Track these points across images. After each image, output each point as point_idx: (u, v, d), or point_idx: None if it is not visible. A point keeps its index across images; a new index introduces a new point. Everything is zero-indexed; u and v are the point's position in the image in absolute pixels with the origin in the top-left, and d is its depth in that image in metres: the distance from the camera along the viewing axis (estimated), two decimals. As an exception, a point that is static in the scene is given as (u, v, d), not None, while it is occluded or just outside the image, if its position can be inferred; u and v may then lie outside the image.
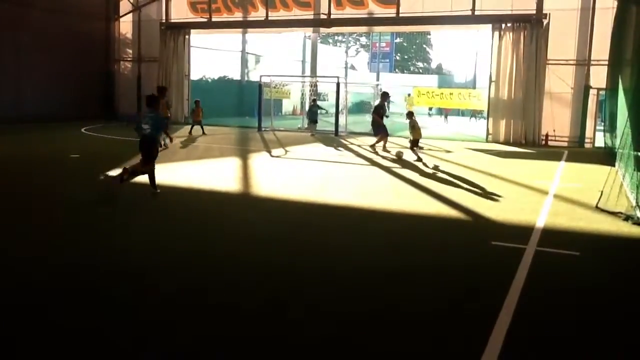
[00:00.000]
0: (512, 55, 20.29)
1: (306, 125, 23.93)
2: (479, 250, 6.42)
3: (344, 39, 64.51)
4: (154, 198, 8.95)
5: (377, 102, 16.77)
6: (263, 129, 23.85)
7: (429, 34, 73.12)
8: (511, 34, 20.27)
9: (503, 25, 20.45)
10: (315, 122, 22.62)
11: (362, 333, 4.09)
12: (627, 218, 7.89)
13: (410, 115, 15.22)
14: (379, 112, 16.35)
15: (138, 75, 27.65)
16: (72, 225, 7.16)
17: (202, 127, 20.86)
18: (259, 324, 4.18)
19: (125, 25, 28.23)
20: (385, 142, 16.50)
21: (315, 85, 26.42)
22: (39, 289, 4.84)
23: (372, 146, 16.52)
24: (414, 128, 14.98)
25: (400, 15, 21.93)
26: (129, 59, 28.47)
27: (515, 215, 8.13)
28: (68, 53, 25.66)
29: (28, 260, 5.60)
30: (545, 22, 19.73)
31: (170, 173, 11.24)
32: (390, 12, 22.18)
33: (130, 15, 27.85)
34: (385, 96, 17.18)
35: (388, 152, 16.09)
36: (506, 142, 20.16)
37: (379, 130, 16.42)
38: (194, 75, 29.63)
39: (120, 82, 28.39)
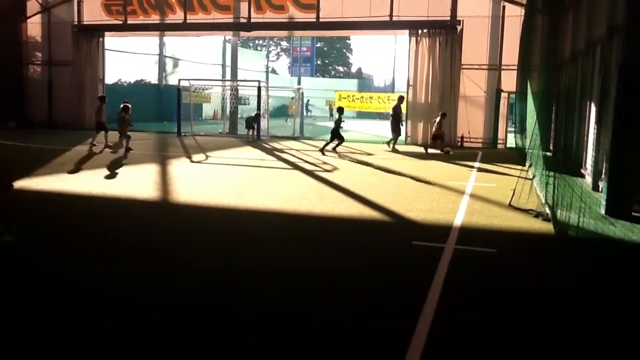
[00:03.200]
0: (428, 60, 20.92)
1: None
2: (401, 250, 6.53)
3: (264, 43, 64.47)
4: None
5: (394, 105, 19.60)
6: (183, 134, 23.35)
7: (349, 39, 74.60)
8: (427, 39, 20.90)
9: (420, 31, 21.06)
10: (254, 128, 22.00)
11: (283, 336, 4.05)
12: (538, 215, 8.29)
13: (443, 115, 18.32)
14: (399, 115, 19.18)
15: (49, 80, 26.33)
16: None
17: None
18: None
19: (34, 27, 26.79)
20: (396, 141, 19.03)
21: (236, 90, 26.14)
22: None
23: (393, 149, 18.80)
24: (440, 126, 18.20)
25: (320, 20, 22.13)
26: (38, 62, 27.06)
27: (434, 215, 8.35)
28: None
29: None
30: (459, 28, 20.49)
31: (87, 180, 10.78)
32: (310, 17, 22.33)
33: (39, 16, 26.49)
34: (401, 99, 19.80)
35: (397, 150, 18.63)
36: (424, 144, 20.70)
37: (397, 130, 19.09)
38: (109, 79, 28.64)
39: (31, 87, 26.85)
